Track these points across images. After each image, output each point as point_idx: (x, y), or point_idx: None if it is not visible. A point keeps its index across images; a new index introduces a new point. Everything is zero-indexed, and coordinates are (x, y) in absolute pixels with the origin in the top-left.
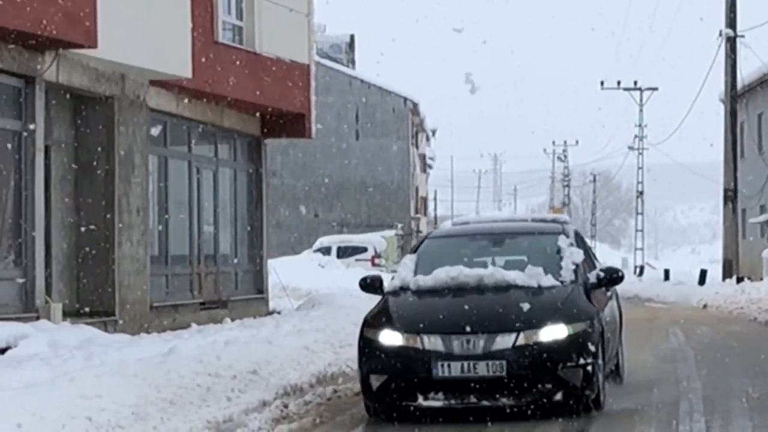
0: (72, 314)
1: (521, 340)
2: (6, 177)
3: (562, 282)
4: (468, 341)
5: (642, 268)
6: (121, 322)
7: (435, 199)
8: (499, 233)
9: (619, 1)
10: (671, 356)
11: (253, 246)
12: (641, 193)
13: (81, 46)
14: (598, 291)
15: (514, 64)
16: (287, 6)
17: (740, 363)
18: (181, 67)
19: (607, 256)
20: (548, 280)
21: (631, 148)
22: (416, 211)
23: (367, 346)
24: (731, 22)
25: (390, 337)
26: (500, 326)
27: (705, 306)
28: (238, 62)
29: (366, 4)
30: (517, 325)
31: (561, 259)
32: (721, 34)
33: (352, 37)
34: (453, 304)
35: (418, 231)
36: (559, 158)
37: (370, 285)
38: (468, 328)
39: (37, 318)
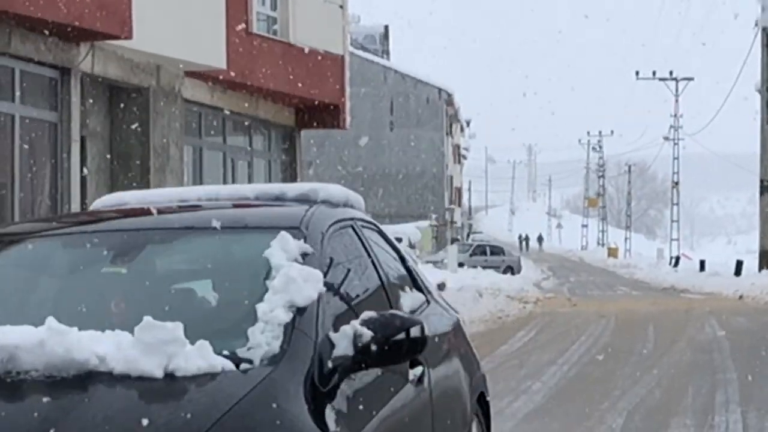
0: None
1: None
2: (42, 168)
3: (241, 361)
4: None
5: (678, 259)
6: None
7: (469, 189)
8: (142, 230)
9: None
10: (707, 347)
11: None
12: (677, 183)
13: (116, 37)
14: (372, 373)
15: (549, 55)
16: None
17: None
18: (216, 58)
19: (642, 247)
20: (202, 359)
21: (666, 138)
22: (450, 202)
23: None
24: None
25: None
26: None
27: (741, 297)
28: (272, 53)
29: None
30: None
31: (262, 296)
32: (757, 24)
33: (386, 27)
34: None
35: (453, 222)
36: (593, 149)
37: None
38: None
39: None
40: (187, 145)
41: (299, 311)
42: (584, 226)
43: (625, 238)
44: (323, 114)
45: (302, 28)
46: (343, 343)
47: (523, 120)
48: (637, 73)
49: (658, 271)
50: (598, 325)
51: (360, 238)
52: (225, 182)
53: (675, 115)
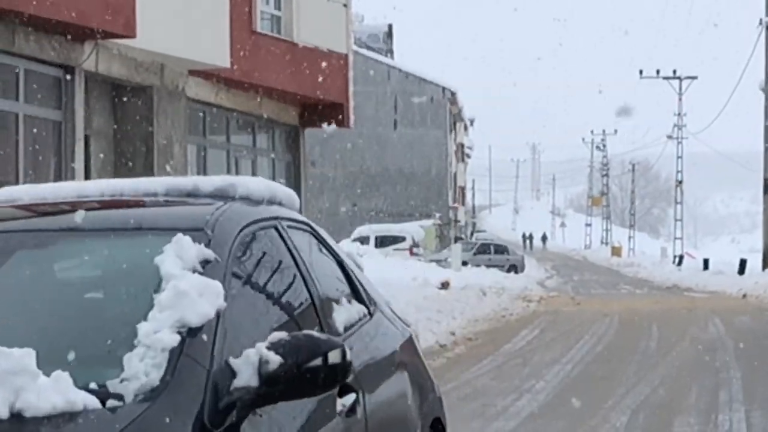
0: None
1: None
2: (46, 166)
3: (110, 397)
4: None
5: (681, 258)
6: None
7: (473, 188)
8: (13, 232)
9: None
10: (710, 346)
11: None
12: (680, 182)
13: (120, 36)
14: (285, 407)
15: (552, 53)
16: None
17: None
18: (220, 57)
19: (646, 246)
20: (58, 395)
21: (670, 137)
22: (454, 201)
23: None
24: None
25: None
26: None
27: (745, 296)
28: (276, 52)
29: None
30: None
31: (147, 313)
32: (761, 23)
33: (390, 26)
34: None
35: (456, 220)
36: (597, 147)
37: None
38: None
39: None
40: (190, 144)
41: (191, 333)
42: (588, 224)
43: (629, 237)
44: (327, 112)
45: (306, 27)
46: (246, 371)
47: (526, 118)
48: (641, 71)
49: (661, 270)
50: (602, 324)
51: (285, 242)
52: None
53: (679, 114)
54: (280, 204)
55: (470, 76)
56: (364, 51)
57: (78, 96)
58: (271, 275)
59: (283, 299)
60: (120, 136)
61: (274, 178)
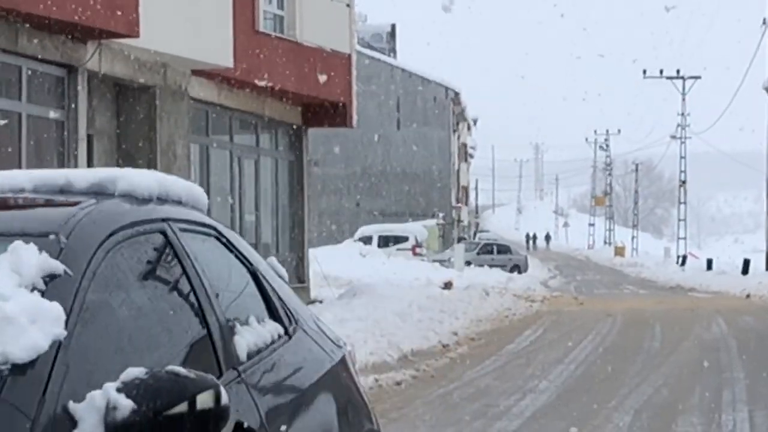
0: None
1: None
2: (49, 166)
3: None
4: None
5: (685, 258)
6: None
7: (476, 188)
8: None
9: None
10: (714, 345)
11: (294, 235)
12: (684, 182)
13: (123, 36)
14: None
15: (556, 54)
16: None
17: None
18: (223, 57)
19: (649, 246)
20: None
21: (673, 137)
22: (457, 201)
23: None
24: None
25: None
26: None
27: (748, 296)
28: (279, 52)
29: None
30: None
31: None
32: (764, 22)
33: (393, 26)
34: None
35: (459, 220)
36: (601, 147)
37: None
38: None
39: None
40: (193, 144)
41: (14, 371)
42: (591, 224)
43: (632, 237)
44: (330, 112)
45: (309, 27)
46: (89, 419)
47: (530, 118)
48: (644, 71)
49: (665, 270)
50: (605, 324)
51: (175, 250)
52: (232, 181)
53: (682, 114)
54: (179, 203)
55: (473, 76)
56: (367, 51)
57: (81, 96)
58: (149, 292)
59: (163, 323)
60: (123, 135)
61: (277, 178)
